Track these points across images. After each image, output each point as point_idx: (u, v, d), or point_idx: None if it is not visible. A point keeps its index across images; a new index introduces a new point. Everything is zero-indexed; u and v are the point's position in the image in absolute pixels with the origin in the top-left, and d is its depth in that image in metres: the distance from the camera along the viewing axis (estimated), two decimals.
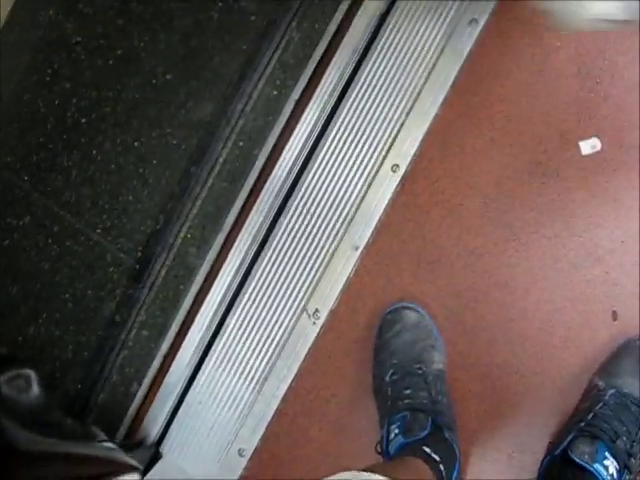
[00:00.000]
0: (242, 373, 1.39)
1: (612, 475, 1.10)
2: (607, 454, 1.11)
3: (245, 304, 1.39)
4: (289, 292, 1.37)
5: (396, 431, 1.16)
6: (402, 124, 1.34)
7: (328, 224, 1.36)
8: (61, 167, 1.59)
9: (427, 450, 1.11)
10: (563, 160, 1.26)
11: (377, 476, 0.85)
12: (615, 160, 1.24)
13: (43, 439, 0.59)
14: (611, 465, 1.10)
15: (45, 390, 0.68)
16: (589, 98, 1.25)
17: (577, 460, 1.10)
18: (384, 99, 1.35)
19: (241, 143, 1.46)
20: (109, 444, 0.74)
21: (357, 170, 1.35)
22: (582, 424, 1.16)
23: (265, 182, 1.42)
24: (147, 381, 1.47)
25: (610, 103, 1.25)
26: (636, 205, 1.23)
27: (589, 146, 1.25)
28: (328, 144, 1.38)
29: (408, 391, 1.21)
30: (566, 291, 1.26)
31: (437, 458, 1.11)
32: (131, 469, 0.69)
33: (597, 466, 1.09)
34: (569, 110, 1.26)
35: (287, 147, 1.41)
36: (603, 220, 1.24)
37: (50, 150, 1.57)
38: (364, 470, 0.94)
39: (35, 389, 0.63)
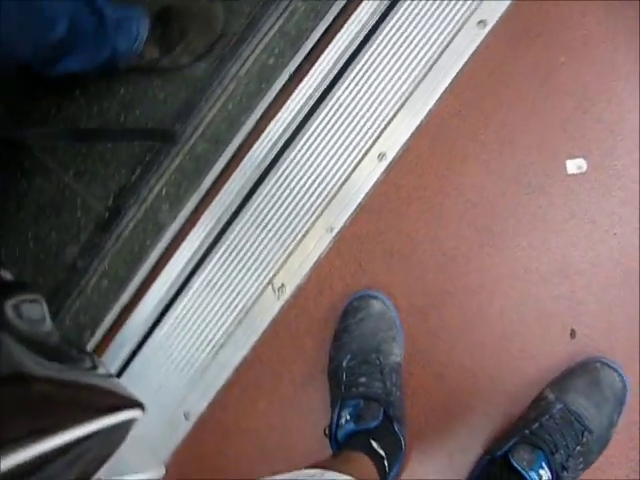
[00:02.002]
0: (199, 336, 1.38)
1: None
2: (544, 464, 1.14)
3: (212, 268, 1.38)
4: (258, 263, 1.37)
5: (347, 417, 1.17)
6: (395, 114, 1.33)
7: (307, 201, 1.35)
8: (40, 101, 1.54)
9: (374, 445, 1.12)
10: (549, 175, 1.27)
11: (344, 476, 0.85)
12: (598, 183, 1.26)
13: (51, 364, 0.58)
14: (545, 475, 1.13)
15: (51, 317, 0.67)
16: (583, 118, 1.26)
17: (515, 465, 1.13)
18: (381, 86, 1.34)
19: (230, 106, 1.44)
20: (103, 371, 0.72)
21: (344, 152, 1.35)
22: (526, 431, 1.18)
23: (249, 149, 1.41)
24: (100, 331, 1.46)
25: (602, 127, 1.26)
26: (611, 230, 1.25)
27: (575, 166, 1.26)
28: (318, 121, 1.36)
29: (363, 379, 1.22)
30: (531, 303, 1.27)
31: (383, 454, 1.12)
32: (136, 405, 0.68)
33: (532, 474, 1.12)
34: (562, 127, 1.27)
35: (276, 118, 1.40)
36: (578, 240, 1.26)
37: (28, 81, 1.51)
38: (311, 467, 0.96)
39: (43, 316, 0.62)
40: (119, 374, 1.41)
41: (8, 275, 0.74)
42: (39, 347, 0.63)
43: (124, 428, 0.77)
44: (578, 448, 1.17)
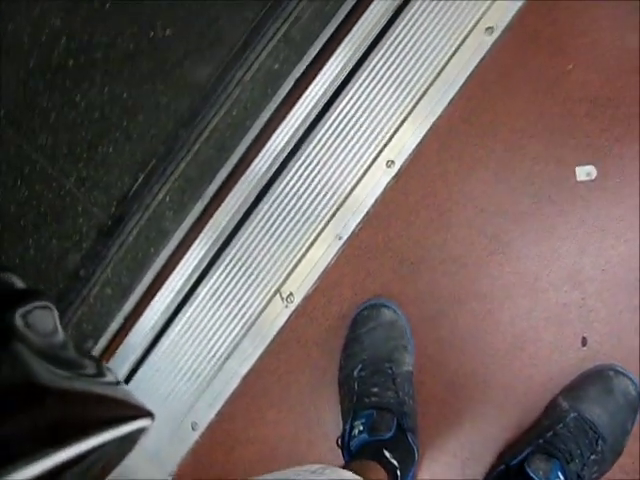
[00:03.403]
0: (206, 346, 1.37)
1: None
2: (559, 473, 1.14)
3: (218, 277, 1.37)
4: (265, 271, 1.35)
5: (360, 428, 1.16)
6: (404, 120, 1.32)
7: (315, 209, 1.34)
8: (40, 107, 1.52)
9: (387, 455, 1.11)
10: (557, 183, 1.27)
11: (347, 473, 0.84)
12: (608, 190, 1.26)
13: (62, 373, 0.57)
14: None
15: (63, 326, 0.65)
16: (592, 125, 1.26)
17: (532, 475, 1.12)
18: (389, 92, 1.33)
19: (235, 112, 1.42)
20: (112, 378, 0.71)
21: (352, 159, 1.33)
22: (541, 441, 1.19)
23: (255, 156, 1.39)
24: (104, 341, 1.44)
25: (611, 133, 1.25)
26: (622, 237, 1.25)
27: (585, 173, 1.26)
28: (325, 128, 1.35)
29: (375, 389, 1.21)
30: (541, 311, 1.27)
31: (396, 464, 1.11)
32: (146, 414, 0.67)
33: None
34: (571, 134, 1.27)
35: (283, 124, 1.38)
36: (588, 247, 1.26)
37: (30, 88, 1.49)
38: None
39: (55, 323, 0.61)
40: (124, 384, 1.39)
41: (19, 282, 0.72)
42: (52, 358, 0.61)
43: (133, 438, 0.75)
44: (592, 457, 1.17)
